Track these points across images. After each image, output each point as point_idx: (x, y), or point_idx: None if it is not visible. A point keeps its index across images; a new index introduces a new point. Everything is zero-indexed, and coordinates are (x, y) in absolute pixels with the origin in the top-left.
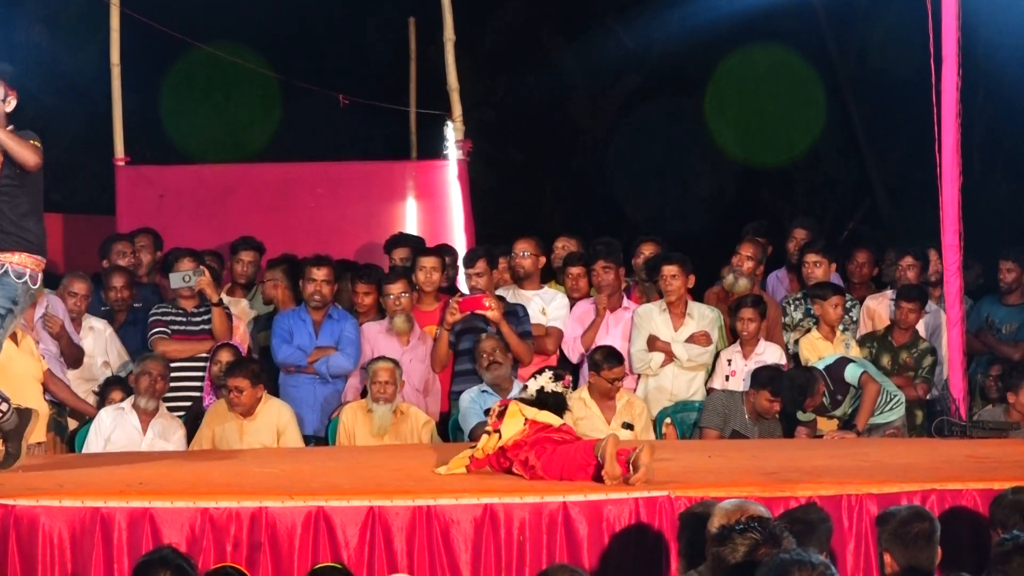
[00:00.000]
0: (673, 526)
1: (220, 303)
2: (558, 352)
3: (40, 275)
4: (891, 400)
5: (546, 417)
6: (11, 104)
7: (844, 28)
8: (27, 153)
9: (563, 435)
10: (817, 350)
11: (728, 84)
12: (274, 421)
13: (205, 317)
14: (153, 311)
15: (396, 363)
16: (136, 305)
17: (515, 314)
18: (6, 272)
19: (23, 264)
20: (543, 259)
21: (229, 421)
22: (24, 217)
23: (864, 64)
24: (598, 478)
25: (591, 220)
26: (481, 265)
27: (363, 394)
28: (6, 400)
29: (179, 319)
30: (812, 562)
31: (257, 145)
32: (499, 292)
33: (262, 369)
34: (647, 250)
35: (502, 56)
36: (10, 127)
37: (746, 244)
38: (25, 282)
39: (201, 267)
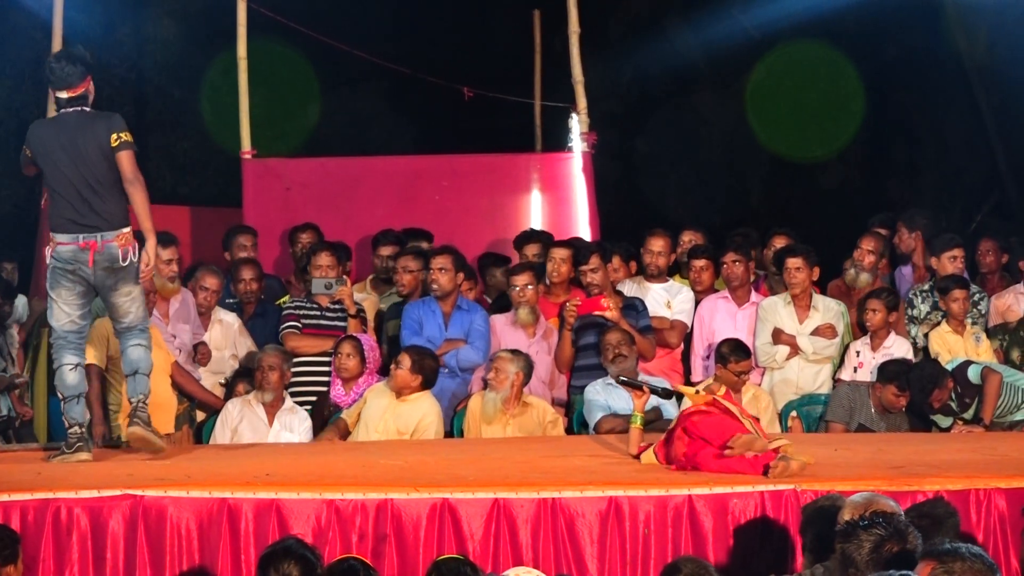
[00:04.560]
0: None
1: (357, 315)
2: (682, 345)
3: (51, 249)
4: None
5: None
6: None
7: (972, 17)
8: None
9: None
10: (947, 343)
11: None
12: (420, 411)
13: (339, 314)
14: (287, 304)
15: (516, 356)
16: (264, 297)
17: (634, 308)
18: None
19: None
20: (673, 255)
21: (383, 398)
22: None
23: (993, 54)
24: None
25: (718, 212)
26: (595, 261)
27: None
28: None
29: (312, 312)
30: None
31: (380, 138)
32: (623, 284)
33: (435, 369)
34: (778, 242)
35: (627, 47)
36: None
37: (867, 238)
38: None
39: (344, 276)
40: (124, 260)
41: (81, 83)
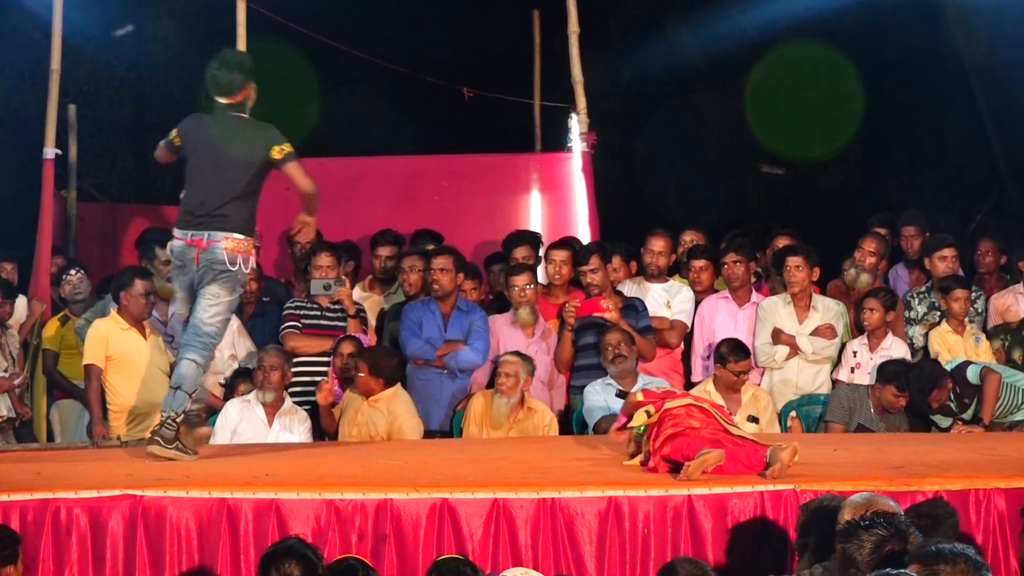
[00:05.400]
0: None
1: (356, 315)
2: (682, 345)
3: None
4: None
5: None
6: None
7: (972, 17)
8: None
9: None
10: (947, 343)
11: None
12: (391, 412)
13: (339, 314)
14: (288, 304)
15: (524, 359)
16: (264, 299)
17: (634, 308)
18: None
19: None
20: (673, 255)
21: (354, 403)
22: None
23: (992, 53)
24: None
25: (718, 212)
26: (595, 261)
27: (488, 386)
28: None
29: (312, 312)
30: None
31: (380, 138)
32: (623, 285)
33: (394, 366)
34: (780, 243)
35: (627, 47)
36: None
37: (868, 239)
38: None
39: (343, 277)
40: (232, 264)
41: (240, 91)
